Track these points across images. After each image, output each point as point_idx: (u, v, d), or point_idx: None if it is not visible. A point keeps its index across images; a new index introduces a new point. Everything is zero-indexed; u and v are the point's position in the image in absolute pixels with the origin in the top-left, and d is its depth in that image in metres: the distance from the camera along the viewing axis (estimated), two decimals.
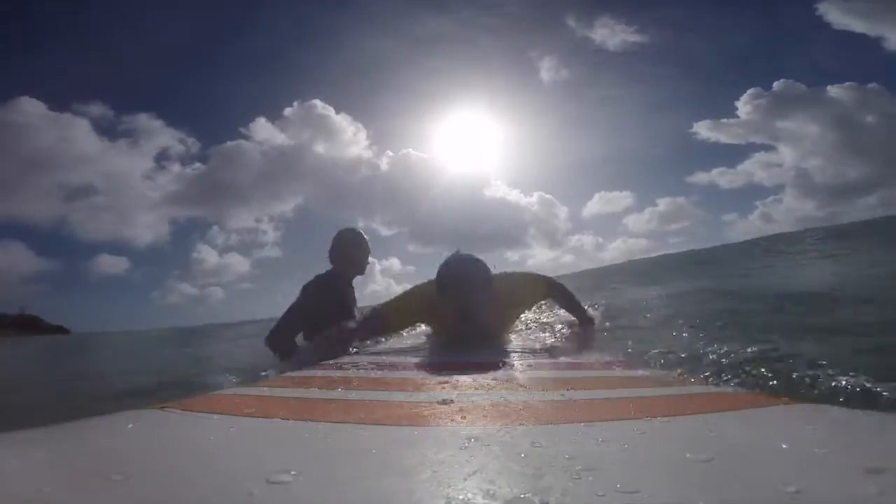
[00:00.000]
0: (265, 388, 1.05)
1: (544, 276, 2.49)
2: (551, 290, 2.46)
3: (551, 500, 0.45)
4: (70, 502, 0.47)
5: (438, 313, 2.03)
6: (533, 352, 1.82)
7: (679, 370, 1.82)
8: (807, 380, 1.58)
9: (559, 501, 0.45)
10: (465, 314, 1.90)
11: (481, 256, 2.17)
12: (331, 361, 1.60)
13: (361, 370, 1.32)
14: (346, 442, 0.65)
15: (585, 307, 2.60)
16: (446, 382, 1.11)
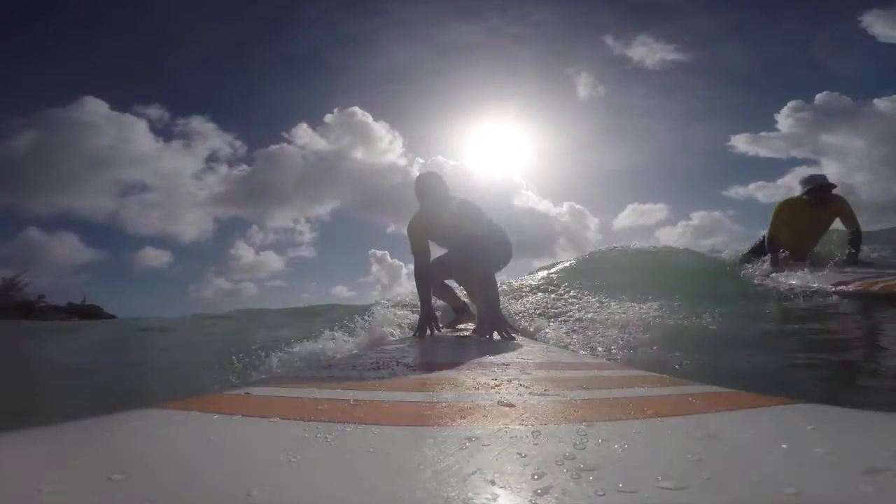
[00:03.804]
0: (265, 388, 1.05)
1: (483, 242, 2.50)
2: (485, 277, 2.48)
3: (551, 500, 0.45)
4: (70, 502, 0.47)
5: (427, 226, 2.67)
6: (532, 351, 1.82)
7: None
8: None
9: (559, 501, 0.45)
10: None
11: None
12: (329, 362, 1.61)
13: (361, 370, 1.32)
14: (346, 442, 0.65)
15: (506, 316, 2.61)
16: (446, 382, 1.11)
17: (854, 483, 0.47)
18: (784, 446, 0.58)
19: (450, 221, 2.58)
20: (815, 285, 3.36)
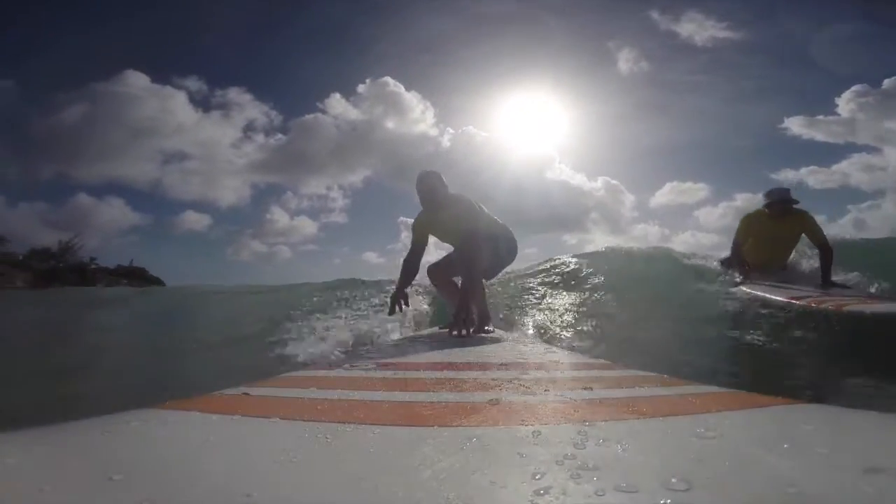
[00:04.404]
0: (265, 388, 1.05)
1: (475, 239, 2.58)
2: (464, 244, 2.61)
3: (551, 500, 0.45)
4: (70, 502, 0.47)
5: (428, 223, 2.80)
6: (532, 351, 1.83)
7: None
8: None
9: (559, 501, 0.45)
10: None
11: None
12: (329, 362, 1.61)
13: (361, 370, 1.32)
14: (346, 442, 0.65)
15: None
16: (446, 382, 1.11)
17: (854, 483, 0.47)
18: (784, 446, 0.59)
19: (450, 219, 2.68)
20: (775, 298, 3.31)
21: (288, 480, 0.51)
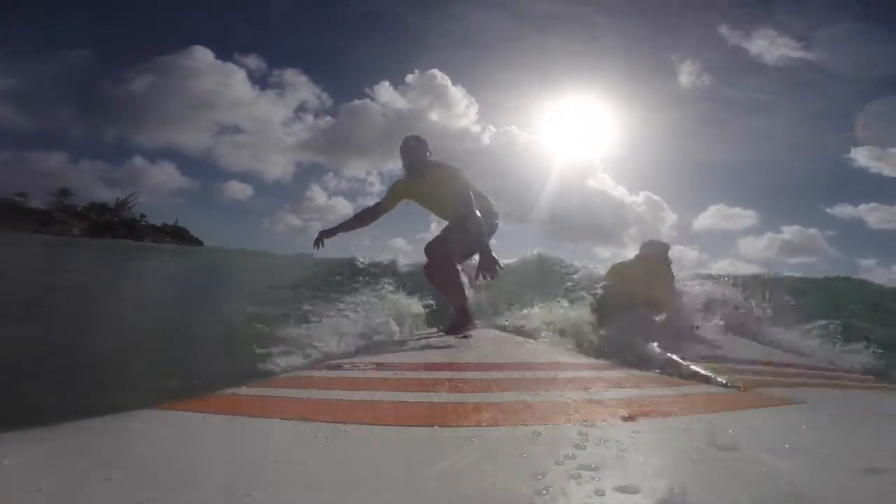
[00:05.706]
0: (265, 389, 1.05)
1: (468, 194, 2.53)
2: (461, 201, 2.52)
3: (551, 500, 0.45)
4: (70, 502, 0.47)
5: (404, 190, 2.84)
6: (533, 351, 1.83)
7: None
8: None
9: (559, 501, 0.45)
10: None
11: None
12: (330, 362, 1.61)
13: (361, 370, 1.32)
14: (346, 442, 0.65)
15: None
16: (446, 382, 1.11)
17: (853, 483, 0.47)
18: (784, 446, 0.59)
19: (434, 186, 2.71)
20: None
21: (288, 480, 0.51)
